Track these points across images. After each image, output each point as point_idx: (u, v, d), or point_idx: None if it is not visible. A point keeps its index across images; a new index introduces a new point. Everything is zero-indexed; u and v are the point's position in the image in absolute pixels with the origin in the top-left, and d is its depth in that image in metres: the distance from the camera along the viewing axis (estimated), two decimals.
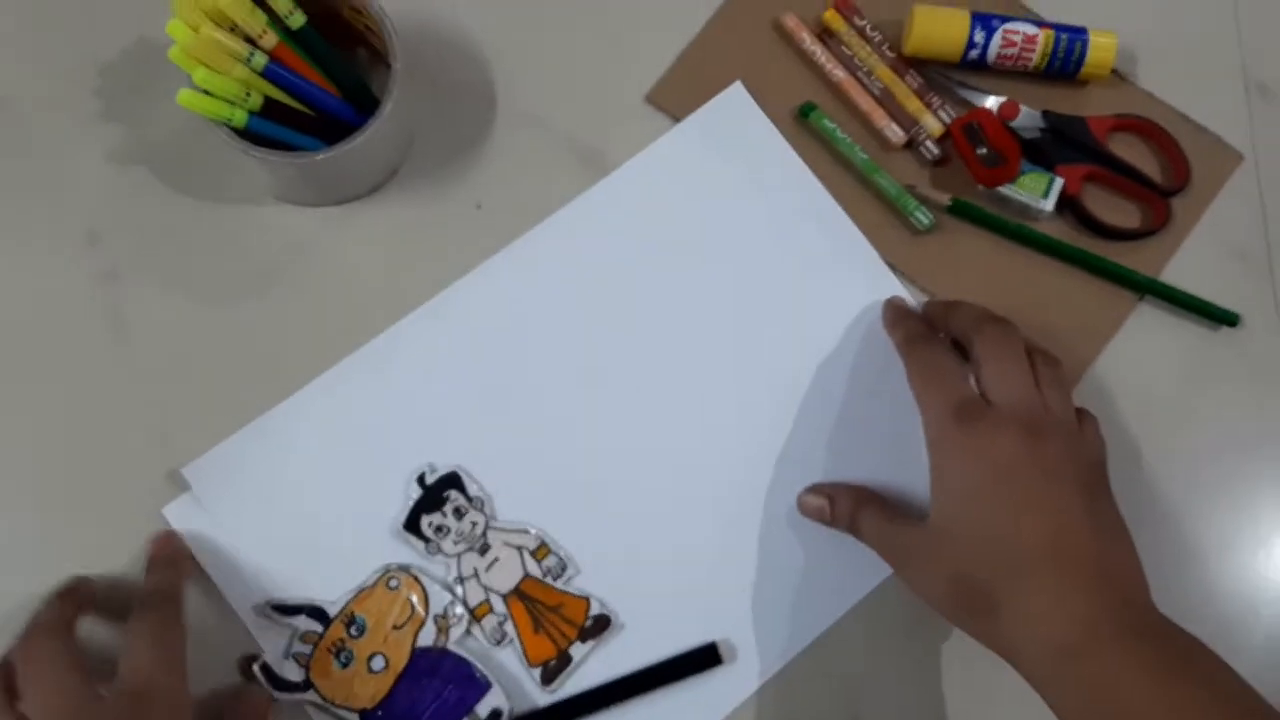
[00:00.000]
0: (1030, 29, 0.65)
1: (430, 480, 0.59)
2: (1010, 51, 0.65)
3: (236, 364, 0.61)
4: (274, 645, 0.57)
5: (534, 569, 0.59)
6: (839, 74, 0.66)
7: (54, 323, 0.61)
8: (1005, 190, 0.64)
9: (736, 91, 0.65)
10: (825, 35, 0.67)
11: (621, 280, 0.63)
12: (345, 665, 0.57)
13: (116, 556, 0.58)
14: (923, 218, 0.64)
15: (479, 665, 0.57)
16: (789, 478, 0.61)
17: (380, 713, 0.57)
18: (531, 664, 0.58)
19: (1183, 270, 0.65)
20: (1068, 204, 0.65)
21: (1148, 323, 0.64)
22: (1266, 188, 0.67)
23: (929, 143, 0.65)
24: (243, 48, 0.56)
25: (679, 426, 0.61)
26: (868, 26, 0.66)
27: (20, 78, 0.64)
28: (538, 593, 0.59)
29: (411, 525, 0.59)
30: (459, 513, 0.59)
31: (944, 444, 0.54)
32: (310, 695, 0.57)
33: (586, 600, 0.59)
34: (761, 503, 0.61)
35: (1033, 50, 0.65)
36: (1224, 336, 0.65)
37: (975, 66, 0.66)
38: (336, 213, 0.63)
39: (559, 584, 0.59)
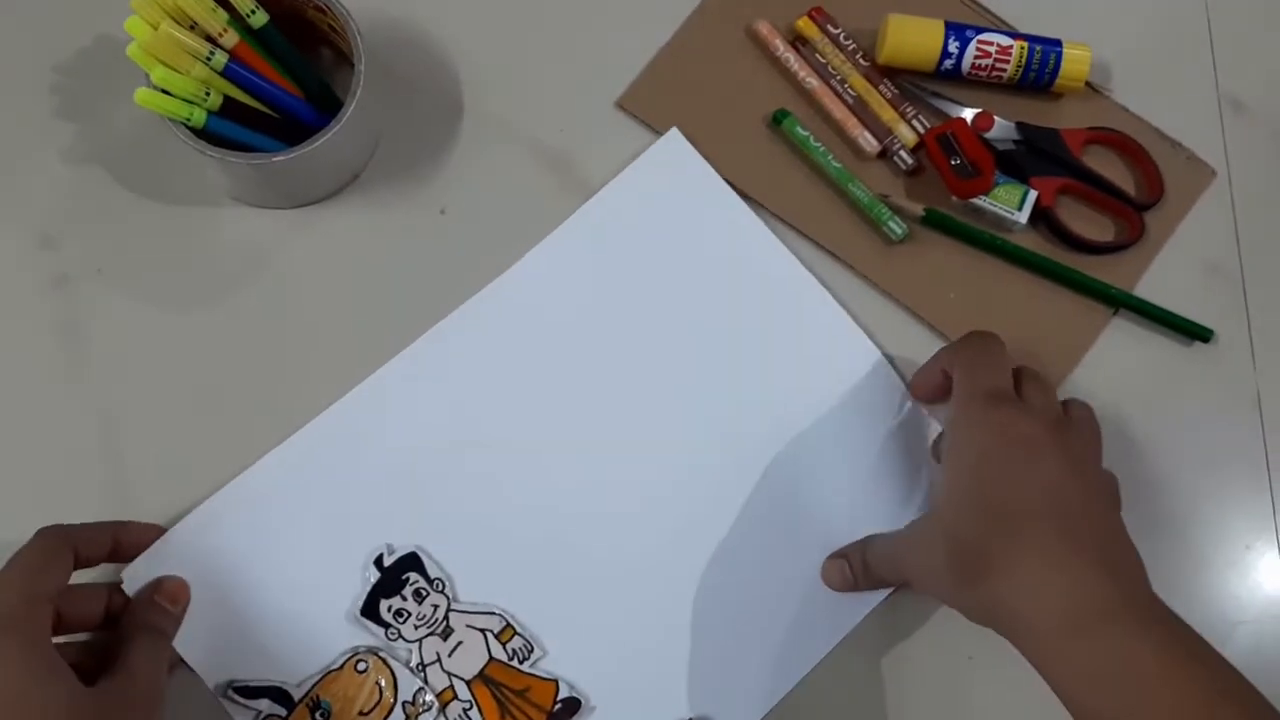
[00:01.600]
0: (1004, 40, 0.64)
1: (388, 562, 0.57)
2: (984, 62, 0.64)
3: (193, 372, 0.60)
4: None
5: (499, 652, 0.57)
6: (812, 82, 0.65)
7: (3, 328, 0.59)
8: (979, 202, 0.63)
9: (674, 138, 0.64)
10: (799, 43, 0.66)
11: (573, 346, 0.61)
12: None
13: None
14: (896, 228, 0.63)
15: None
16: (751, 539, 0.59)
17: None
18: None
19: (1156, 284, 0.64)
20: (1042, 216, 0.64)
21: (1122, 337, 0.64)
22: (1239, 203, 0.66)
23: (903, 153, 0.64)
24: (203, 46, 0.55)
25: (641, 498, 0.59)
26: (841, 35, 0.66)
27: None
28: (503, 676, 0.56)
29: (370, 610, 0.56)
30: (419, 595, 0.57)
31: (965, 419, 0.53)
32: None
33: (555, 683, 0.56)
34: (727, 568, 0.59)
35: (1007, 61, 0.64)
36: (1197, 351, 0.64)
37: (949, 77, 0.65)
38: (296, 216, 0.62)
39: (525, 667, 0.56)
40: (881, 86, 0.65)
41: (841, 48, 0.66)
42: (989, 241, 0.63)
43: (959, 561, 0.51)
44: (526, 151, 0.64)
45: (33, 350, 0.59)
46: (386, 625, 0.56)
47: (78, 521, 0.53)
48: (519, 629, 0.57)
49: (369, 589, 0.56)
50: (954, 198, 0.63)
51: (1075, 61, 0.65)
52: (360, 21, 0.57)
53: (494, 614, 0.57)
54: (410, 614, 0.56)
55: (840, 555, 0.58)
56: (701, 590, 0.58)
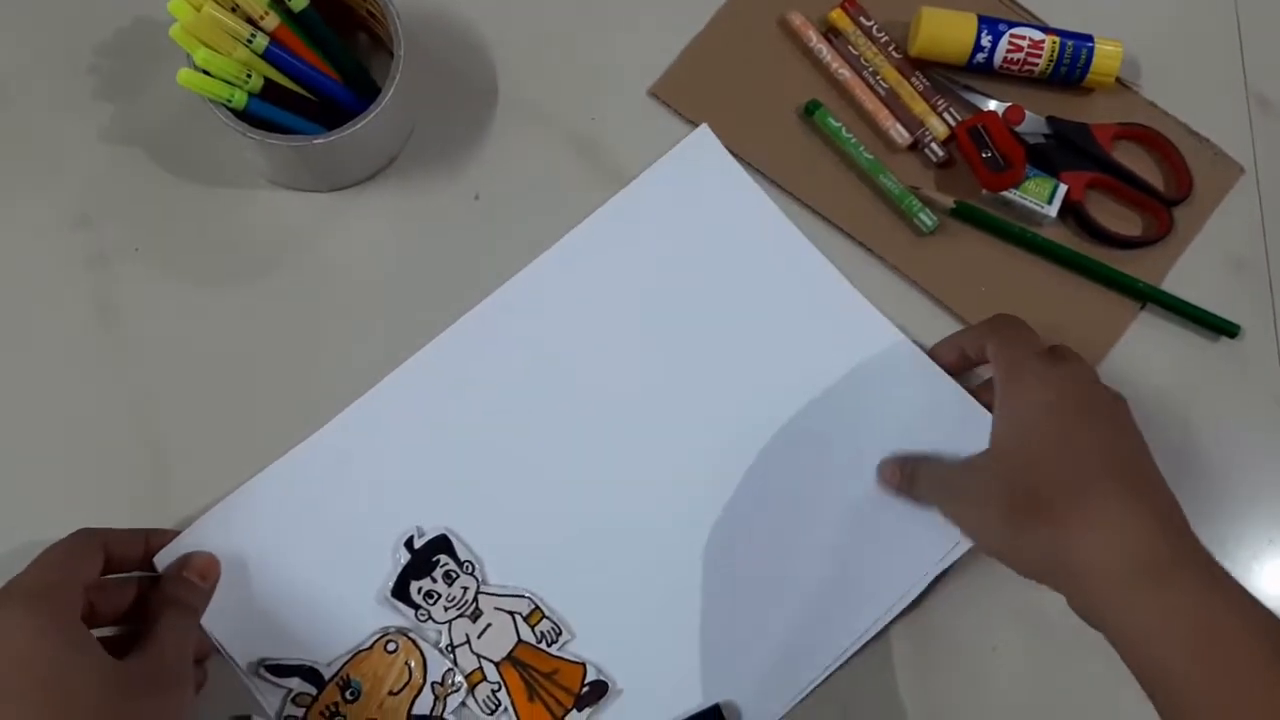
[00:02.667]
0: (1037, 34, 0.65)
1: (419, 544, 0.57)
2: (1016, 56, 0.65)
3: (228, 352, 0.60)
4: (271, 704, 0.55)
5: (527, 635, 0.57)
6: (844, 73, 0.65)
7: (41, 308, 0.60)
8: (1009, 195, 0.63)
9: (703, 134, 0.64)
10: (831, 34, 0.66)
11: (602, 334, 0.61)
12: None
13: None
14: (926, 220, 0.63)
15: None
16: (782, 525, 0.59)
17: None
18: None
19: (1183, 279, 0.65)
20: (1071, 210, 0.64)
21: (1148, 331, 0.64)
22: (1266, 200, 0.67)
23: (934, 145, 0.65)
24: (244, 28, 0.55)
25: (669, 483, 0.60)
26: (874, 27, 0.66)
27: (12, 54, 0.63)
28: (532, 659, 0.57)
29: (400, 592, 0.57)
30: (449, 577, 0.57)
31: (1020, 372, 0.54)
32: None
33: (582, 666, 0.57)
34: (755, 555, 0.59)
35: (1039, 55, 0.65)
36: (1223, 347, 0.64)
37: (981, 70, 0.66)
38: (332, 199, 0.62)
39: (553, 649, 0.57)
40: (913, 79, 0.66)
41: (874, 40, 0.66)
42: (1018, 234, 0.64)
43: (1020, 506, 0.51)
44: (560, 139, 0.64)
45: (69, 328, 0.60)
46: (417, 606, 0.57)
47: (111, 509, 0.55)
48: (547, 612, 0.57)
49: (399, 570, 0.57)
50: (984, 190, 0.64)
51: (1107, 57, 0.65)
52: (398, 6, 0.57)
53: (523, 597, 0.57)
54: (440, 595, 0.57)
55: (899, 460, 0.59)
56: (729, 577, 0.59)
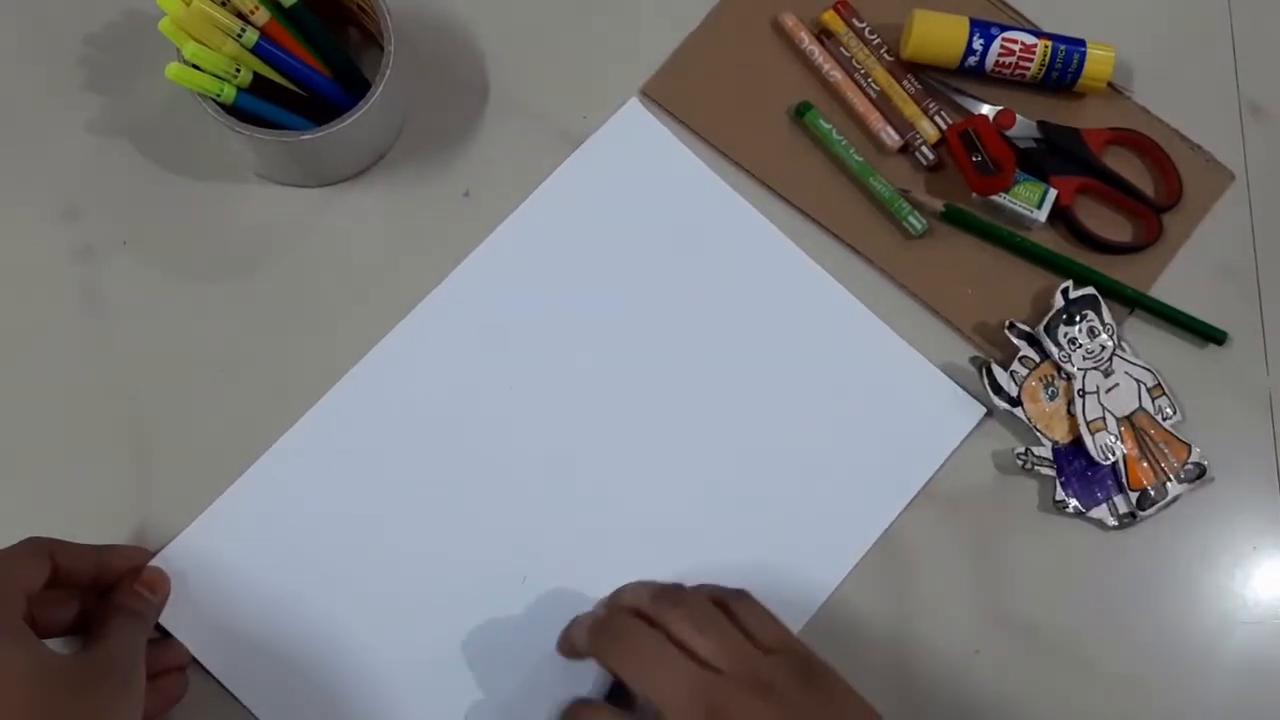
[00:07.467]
0: (1029, 38, 0.65)
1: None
2: (1008, 60, 0.65)
3: (214, 345, 0.60)
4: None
5: (1148, 404, 0.62)
6: (836, 75, 0.65)
7: (27, 299, 0.60)
8: (999, 199, 0.63)
9: (633, 108, 0.65)
10: (824, 36, 0.66)
11: (539, 324, 0.62)
12: (1051, 399, 0.62)
13: None
14: (916, 223, 0.63)
15: None
16: (737, 484, 0.61)
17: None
18: (1131, 487, 0.61)
19: (1171, 286, 0.65)
20: (1060, 215, 0.64)
21: (1137, 337, 0.64)
22: (1256, 207, 0.67)
23: (924, 148, 0.65)
24: (234, 23, 0.55)
25: (619, 453, 0.61)
26: (866, 29, 0.66)
27: (0, 45, 0.63)
28: (1148, 426, 0.62)
29: (1050, 331, 0.62)
30: (1092, 332, 0.62)
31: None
32: (1019, 411, 0.62)
33: (1188, 446, 0.62)
34: (716, 519, 0.60)
35: (1030, 59, 0.65)
36: (1211, 354, 0.65)
37: (973, 74, 0.66)
38: (321, 194, 0.62)
39: (1166, 425, 0.62)
40: (905, 81, 0.66)
41: (866, 42, 0.66)
42: (1007, 239, 0.64)
43: None
44: (550, 136, 0.64)
45: (56, 320, 0.60)
46: (1060, 347, 0.62)
47: (91, 500, 0.55)
48: (1167, 390, 0.63)
49: (1053, 312, 0.62)
50: (974, 194, 0.64)
51: (1099, 62, 0.65)
52: (389, 3, 0.57)
53: (1149, 370, 0.63)
54: (1081, 345, 0.62)
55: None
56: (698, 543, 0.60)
